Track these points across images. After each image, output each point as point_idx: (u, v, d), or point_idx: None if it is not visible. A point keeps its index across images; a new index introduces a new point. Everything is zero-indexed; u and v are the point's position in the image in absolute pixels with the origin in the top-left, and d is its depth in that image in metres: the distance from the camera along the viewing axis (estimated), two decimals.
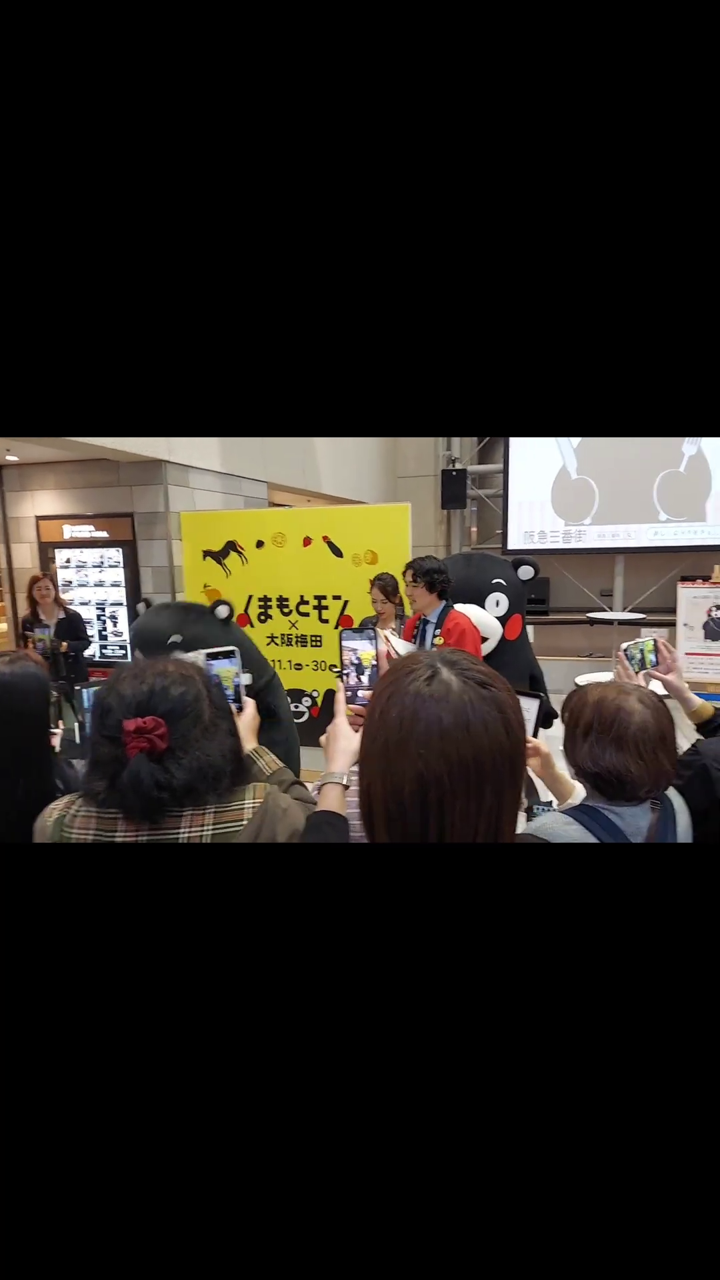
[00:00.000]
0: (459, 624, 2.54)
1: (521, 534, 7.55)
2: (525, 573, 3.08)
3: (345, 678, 1.02)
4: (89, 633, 4.29)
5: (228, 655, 1.20)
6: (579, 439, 7.16)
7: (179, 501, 4.14)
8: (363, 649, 1.02)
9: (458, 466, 7.84)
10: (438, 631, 2.59)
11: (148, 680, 0.81)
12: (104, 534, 4.22)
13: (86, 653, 4.08)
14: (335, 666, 3.71)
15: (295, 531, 3.96)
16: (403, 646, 2.47)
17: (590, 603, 7.45)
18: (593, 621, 6.00)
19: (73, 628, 3.93)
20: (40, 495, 4.30)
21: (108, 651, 4.40)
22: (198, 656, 1.07)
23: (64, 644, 3.75)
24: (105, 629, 4.40)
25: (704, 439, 6.73)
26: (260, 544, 4.03)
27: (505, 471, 7.45)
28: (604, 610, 6.84)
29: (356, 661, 1.03)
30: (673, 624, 5.92)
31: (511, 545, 7.45)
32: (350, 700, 1.00)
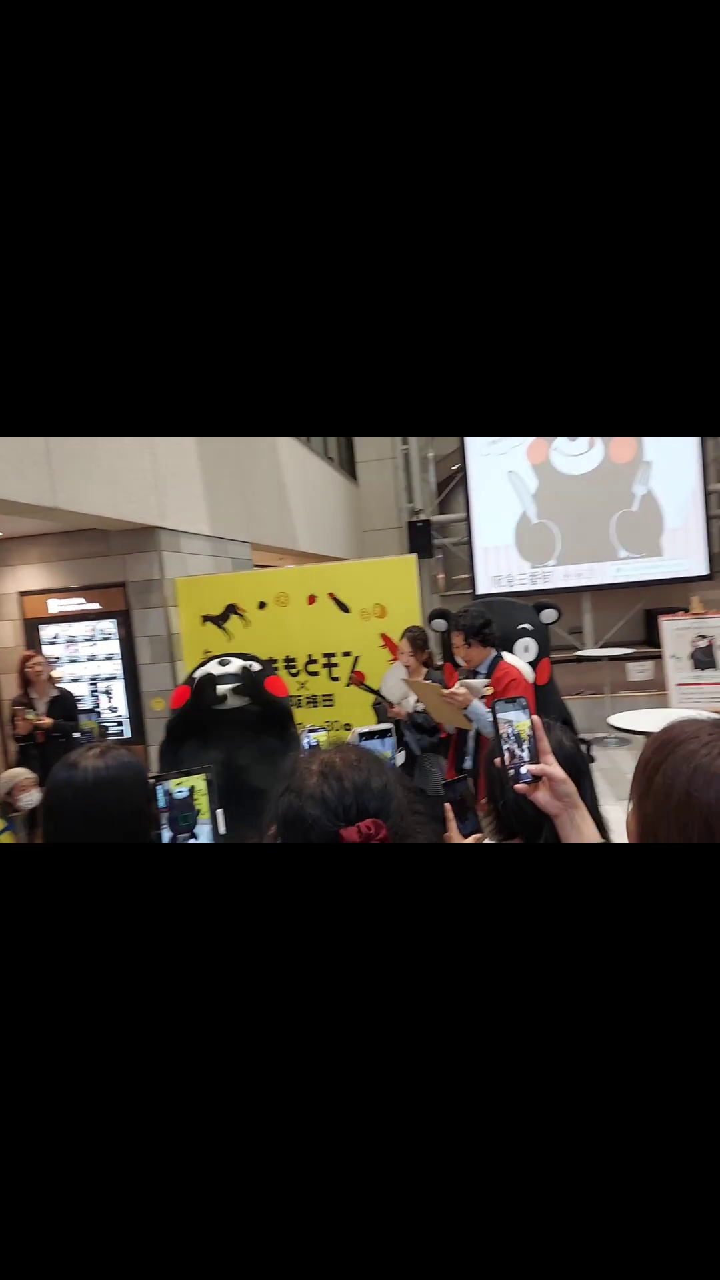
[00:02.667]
0: (508, 673, 2.50)
1: (490, 578, 7.73)
2: (549, 616, 3.11)
3: (505, 754, 0.94)
4: (82, 709, 4.02)
5: (382, 735, 1.12)
6: (535, 484, 7.49)
7: (172, 568, 4.01)
8: (518, 720, 0.95)
9: (421, 517, 8.02)
10: (487, 681, 2.54)
11: (344, 776, 0.72)
12: (95, 605, 4.02)
13: (77, 734, 3.82)
14: (350, 725, 3.59)
15: (299, 590, 3.88)
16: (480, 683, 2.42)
17: (562, 640, 7.65)
18: (580, 659, 6.13)
19: (65, 707, 3.68)
20: (22, 570, 4.08)
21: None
22: (352, 736, 0.99)
23: (47, 718, 3.50)
24: (98, 705, 4.14)
25: (652, 480, 7.16)
26: (263, 605, 3.93)
27: (469, 520, 7.68)
28: (577, 648, 7.02)
29: (514, 734, 0.95)
30: (651, 656, 6.11)
31: (480, 590, 7.61)
32: (515, 779, 0.92)
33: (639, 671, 5.71)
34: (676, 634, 5.15)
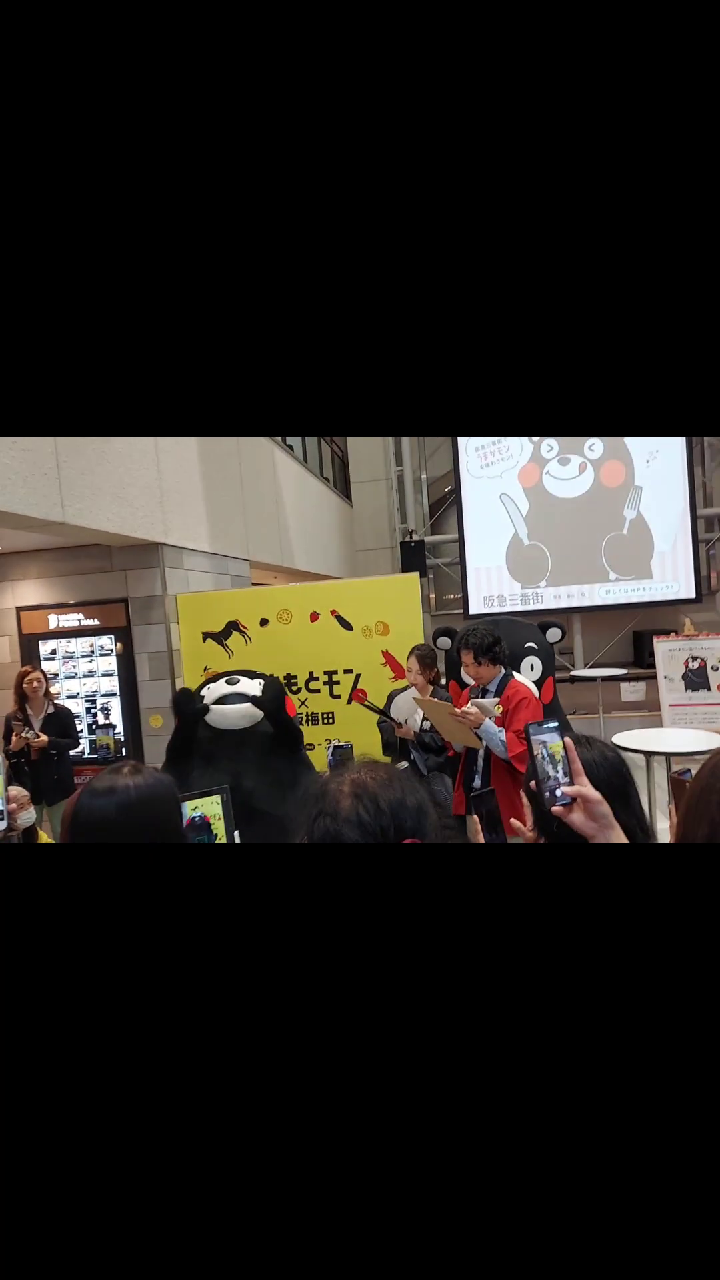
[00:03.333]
0: (519, 691, 2.52)
1: (481, 598, 7.81)
2: (554, 635, 3.15)
3: (542, 779, 0.94)
4: (78, 727, 3.97)
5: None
6: (526, 506, 7.61)
7: (173, 584, 4.00)
8: (552, 742, 0.96)
9: (415, 538, 8.10)
10: (497, 700, 2.56)
11: (379, 797, 0.71)
12: (95, 621, 3.99)
13: (75, 750, 3.76)
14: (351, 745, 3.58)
15: (302, 607, 3.89)
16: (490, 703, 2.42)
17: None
18: (574, 679, 6.19)
19: (62, 724, 3.62)
20: (21, 585, 4.04)
21: (95, 741, 4.08)
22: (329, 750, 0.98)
23: (43, 737, 3.43)
24: (95, 722, 4.08)
25: (642, 504, 7.31)
26: (265, 622, 3.93)
27: (461, 540, 7.77)
28: (568, 668, 7.08)
29: (549, 755, 0.96)
30: (644, 677, 6.19)
31: (472, 610, 7.68)
32: (552, 802, 0.93)
33: (632, 692, 5.77)
34: (669, 655, 5.23)
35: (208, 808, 1.06)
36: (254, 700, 2.68)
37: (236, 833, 1.21)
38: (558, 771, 0.92)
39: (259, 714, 2.69)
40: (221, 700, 2.75)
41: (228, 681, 2.77)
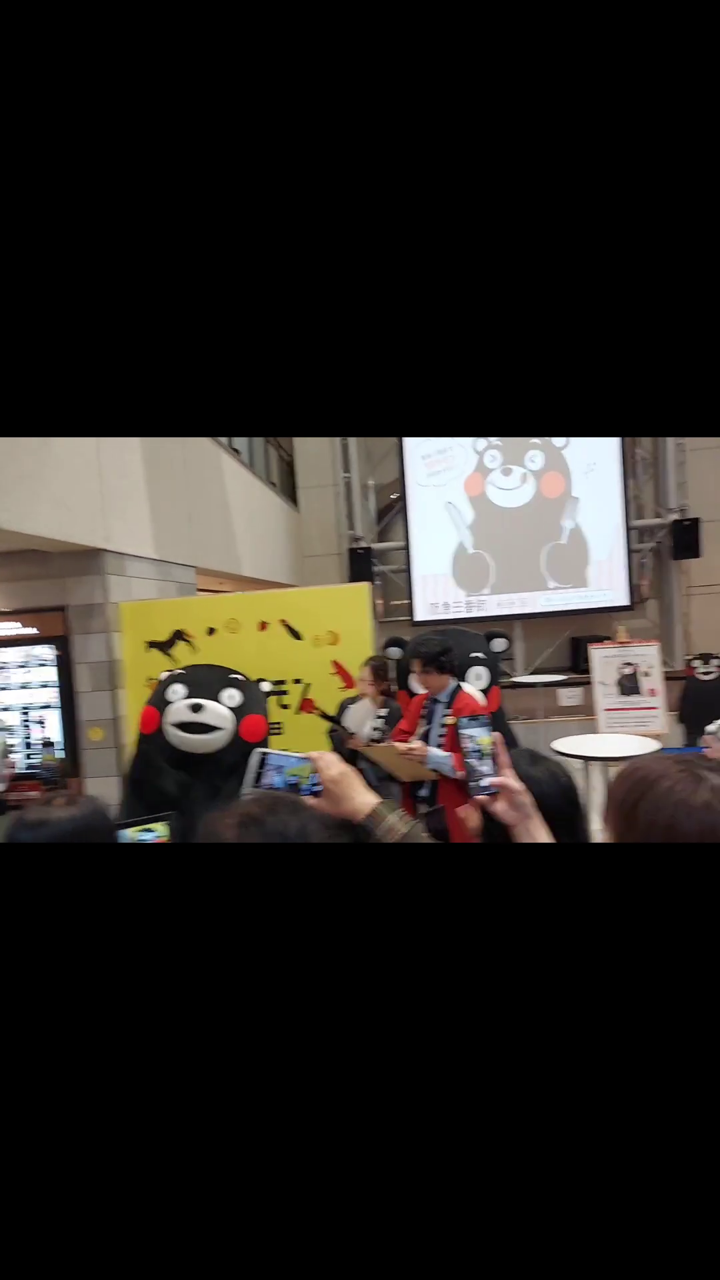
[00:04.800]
0: (469, 703, 2.58)
1: (426, 605, 7.93)
2: (499, 645, 3.22)
3: (469, 771, 1.00)
4: (11, 742, 3.79)
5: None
6: (471, 516, 7.77)
7: (116, 592, 3.88)
8: (480, 735, 1.02)
9: (362, 545, 8.14)
10: (448, 710, 2.60)
11: (265, 822, 0.73)
12: (32, 630, 3.82)
13: (10, 769, 3.59)
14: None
15: (250, 616, 3.84)
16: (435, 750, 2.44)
17: None
18: (514, 685, 6.35)
19: None
20: None
21: (33, 761, 3.90)
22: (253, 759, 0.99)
23: None
24: (29, 737, 3.91)
25: (579, 515, 7.60)
26: (212, 631, 3.85)
27: (407, 548, 7.87)
28: (509, 674, 7.27)
29: (476, 749, 1.02)
30: (582, 683, 6.42)
31: (418, 617, 7.78)
32: (478, 792, 0.98)
33: (570, 697, 5.97)
34: (604, 662, 5.43)
35: (155, 833, 1.04)
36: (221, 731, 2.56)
37: None
38: (483, 765, 0.98)
39: (225, 740, 2.58)
40: (182, 726, 2.62)
41: (191, 707, 2.63)
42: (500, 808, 0.95)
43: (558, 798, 1.09)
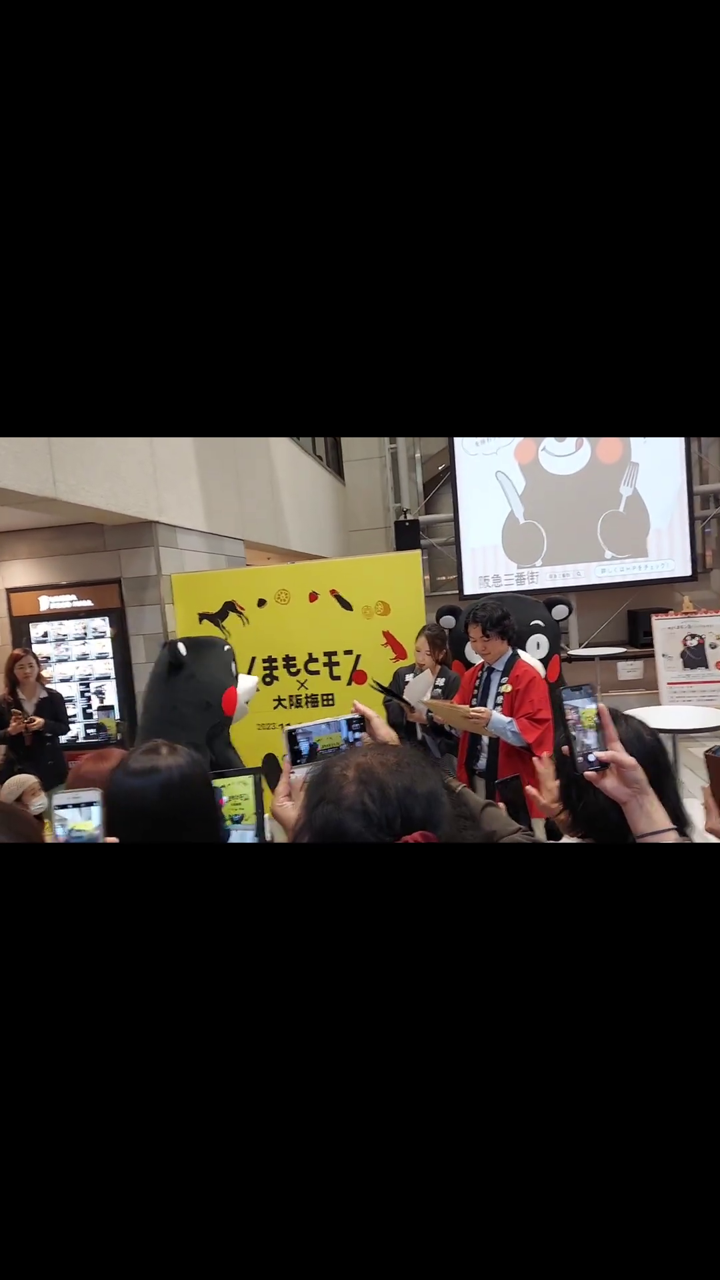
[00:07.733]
0: (527, 672, 2.48)
1: (476, 578, 7.75)
2: (560, 612, 3.10)
3: (573, 741, 0.92)
4: (71, 712, 3.89)
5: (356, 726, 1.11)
6: (523, 484, 7.53)
7: (168, 564, 3.90)
8: (585, 707, 0.93)
9: (409, 517, 8.01)
10: (504, 680, 2.51)
11: (386, 784, 0.64)
12: (88, 603, 3.89)
13: (67, 736, 3.68)
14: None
15: (300, 587, 3.81)
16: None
17: None
18: (570, 658, 6.17)
19: (54, 708, 3.54)
20: (11, 566, 3.93)
21: (93, 732, 4.00)
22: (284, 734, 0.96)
23: (36, 720, 3.37)
24: (90, 705, 4.00)
25: (639, 481, 7.26)
26: (262, 602, 3.84)
27: (456, 520, 7.69)
28: (564, 648, 7.08)
29: (580, 721, 0.93)
30: (639, 656, 6.18)
31: (467, 590, 7.62)
32: (585, 767, 0.90)
33: (629, 670, 5.77)
34: (668, 633, 5.21)
35: (235, 789, 1.02)
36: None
37: (268, 816, 1.20)
38: (588, 737, 0.90)
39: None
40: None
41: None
42: (610, 784, 0.88)
43: (643, 758, 1.00)
